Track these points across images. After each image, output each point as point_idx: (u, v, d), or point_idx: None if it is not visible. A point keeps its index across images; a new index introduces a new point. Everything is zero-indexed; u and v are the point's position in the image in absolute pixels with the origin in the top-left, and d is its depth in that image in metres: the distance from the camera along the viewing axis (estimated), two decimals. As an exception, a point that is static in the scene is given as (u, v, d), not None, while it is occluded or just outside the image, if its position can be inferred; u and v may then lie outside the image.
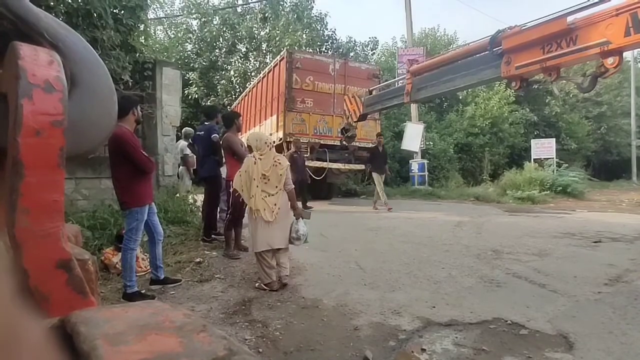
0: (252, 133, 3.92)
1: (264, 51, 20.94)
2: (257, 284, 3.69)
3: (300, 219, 3.75)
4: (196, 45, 22.61)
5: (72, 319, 0.42)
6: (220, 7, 22.32)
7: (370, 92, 6.75)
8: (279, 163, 3.65)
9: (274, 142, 3.75)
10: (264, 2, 22.11)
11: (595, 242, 5.59)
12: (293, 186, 3.82)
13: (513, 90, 4.86)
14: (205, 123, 5.74)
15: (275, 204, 3.59)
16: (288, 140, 10.30)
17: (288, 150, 9.44)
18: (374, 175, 9.80)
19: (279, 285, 3.62)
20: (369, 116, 7.72)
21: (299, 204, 8.51)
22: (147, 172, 3.46)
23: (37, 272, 0.57)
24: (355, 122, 6.99)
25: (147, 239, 3.81)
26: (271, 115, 11.83)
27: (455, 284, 3.75)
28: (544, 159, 15.54)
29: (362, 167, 11.86)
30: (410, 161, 15.45)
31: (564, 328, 2.71)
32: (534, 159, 15.61)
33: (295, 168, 8.81)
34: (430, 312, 3.05)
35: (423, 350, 2.46)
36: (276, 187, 3.62)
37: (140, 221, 3.44)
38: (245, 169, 3.67)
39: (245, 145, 4.29)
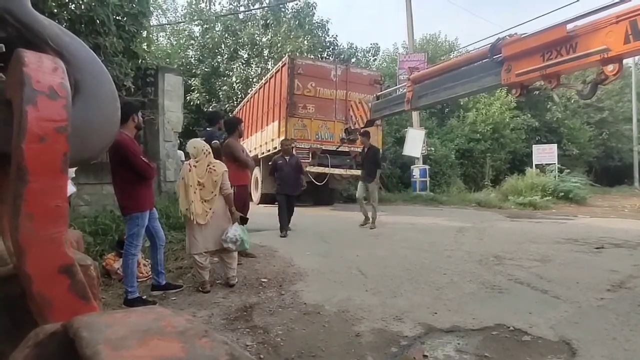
0: (190, 140, 3.95)
1: (266, 57, 21.01)
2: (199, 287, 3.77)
3: (236, 223, 3.86)
4: (198, 52, 22.71)
5: (75, 324, 0.43)
6: (222, 14, 22.46)
7: (378, 98, 6.75)
8: (214, 170, 3.75)
9: (208, 150, 3.87)
10: (266, 8, 22.28)
11: (597, 248, 5.56)
12: (231, 191, 3.92)
13: (514, 97, 4.87)
14: (208, 129, 5.77)
15: (209, 208, 3.72)
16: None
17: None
18: (359, 184, 7.89)
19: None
20: (369, 122, 7.72)
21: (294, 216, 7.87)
22: (148, 178, 3.46)
23: (40, 277, 0.57)
24: (361, 128, 6.99)
25: (149, 245, 3.82)
26: (273, 121, 11.86)
27: (457, 289, 3.73)
28: (546, 164, 15.53)
29: None
30: (411, 167, 15.47)
31: (567, 334, 2.69)
32: (536, 165, 15.59)
33: (280, 175, 6.83)
34: (432, 318, 3.04)
35: (425, 356, 2.44)
36: (212, 192, 3.74)
37: (141, 227, 3.44)
38: (182, 175, 3.77)
39: (247, 151, 4.30)
